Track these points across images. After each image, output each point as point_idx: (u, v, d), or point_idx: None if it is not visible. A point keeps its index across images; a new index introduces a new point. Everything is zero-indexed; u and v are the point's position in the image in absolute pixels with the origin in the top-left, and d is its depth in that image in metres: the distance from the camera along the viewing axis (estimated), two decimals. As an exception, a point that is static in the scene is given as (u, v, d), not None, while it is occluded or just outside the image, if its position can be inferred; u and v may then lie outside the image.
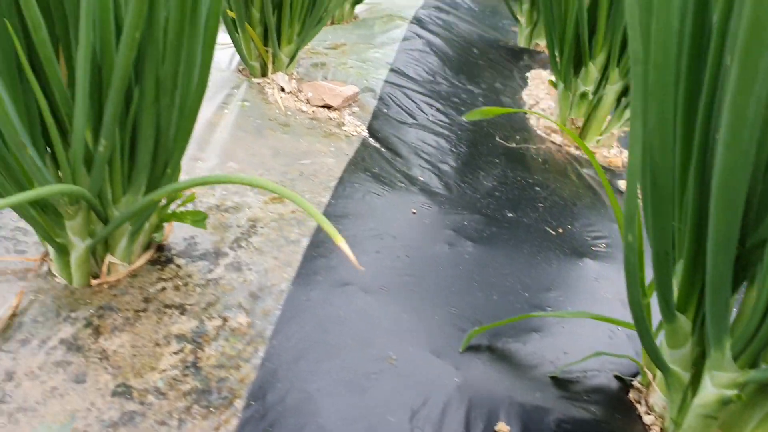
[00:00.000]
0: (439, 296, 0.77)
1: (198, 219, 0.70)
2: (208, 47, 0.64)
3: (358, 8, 2.01)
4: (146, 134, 0.65)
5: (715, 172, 0.52)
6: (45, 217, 0.68)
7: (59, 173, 0.70)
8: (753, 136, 0.46)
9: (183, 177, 0.90)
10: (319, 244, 0.81)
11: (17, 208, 0.67)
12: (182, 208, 0.81)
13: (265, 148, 1.07)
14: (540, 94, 1.64)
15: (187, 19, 0.58)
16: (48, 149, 0.67)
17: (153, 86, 0.62)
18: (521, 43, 1.98)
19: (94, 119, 0.63)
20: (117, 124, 0.63)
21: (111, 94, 0.60)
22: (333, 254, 0.79)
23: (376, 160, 1.07)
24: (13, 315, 0.69)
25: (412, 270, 0.79)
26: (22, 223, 0.82)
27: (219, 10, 0.62)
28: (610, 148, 1.40)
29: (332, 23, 1.95)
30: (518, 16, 1.97)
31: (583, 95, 1.35)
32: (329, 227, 0.50)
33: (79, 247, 0.70)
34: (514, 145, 1.25)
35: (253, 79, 1.36)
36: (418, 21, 1.78)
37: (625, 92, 1.36)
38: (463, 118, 0.88)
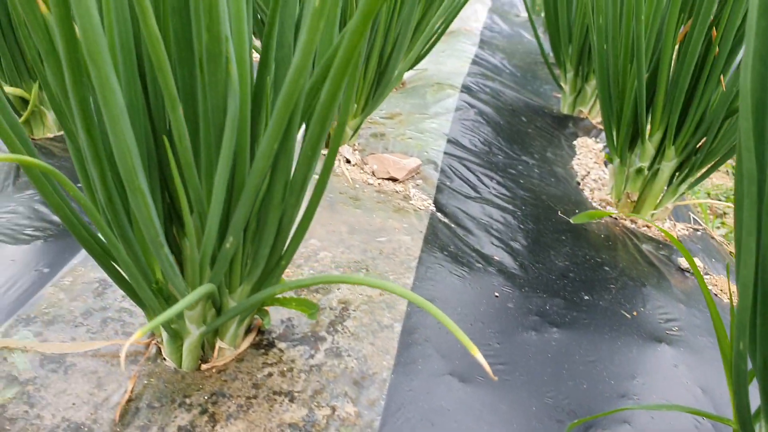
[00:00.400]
0: (533, 385, 0.79)
1: (311, 312, 0.74)
2: (332, 151, 0.68)
3: (406, 74, 2.07)
4: (269, 231, 0.69)
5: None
6: (167, 306, 0.71)
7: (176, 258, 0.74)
8: None
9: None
10: (411, 330, 0.84)
11: (144, 299, 0.70)
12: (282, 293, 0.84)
13: (341, 224, 1.10)
14: (589, 164, 1.68)
15: (325, 131, 0.62)
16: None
17: (281, 189, 0.66)
18: (564, 109, 2.03)
19: (223, 218, 0.67)
20: (245, 223, 0.67)
21: (243, 198, 0.64)
22: (428, 342, 0.82)
23: (448, 237, 1.10)
24: (129, 400, 0.72)
25: (504, 357, 0.82)
26: (127, 303, 0.86)
27: (347, 117, 0.66)
28: (664, 222, 1.43)
29: (381, 88, 2.00)
30: (562, 84, 2.02)
31: (639, 170, 1.39)
32: (464, 338, 0.53)
33: (193, 334, 0.74)
34: (574, 220, 1.28)
35: (317, 149, 1.41)
36: (467, 89, 1.83)
37: (679, 167, 1.39)
38: (571, 221, 0.91)
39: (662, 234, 1.38)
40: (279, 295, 0.82)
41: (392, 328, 0.84)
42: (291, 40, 0.73)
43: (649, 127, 1.36)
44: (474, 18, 3.02)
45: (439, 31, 1.81)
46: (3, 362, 0.75)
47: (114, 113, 0.55)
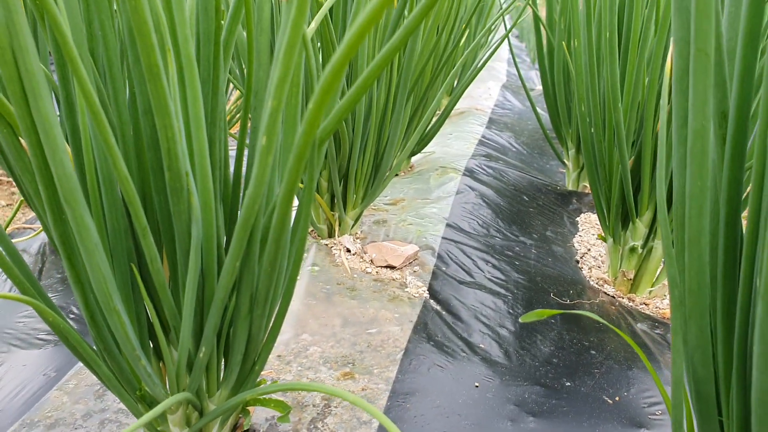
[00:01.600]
0: (504, 478, 0.81)
1: (283, 414, 0.78)
2: (296, 264, 0.74)
3: (414, 158, 2.15)
4: (239, 340, 0.75)
5: (753, 389, 0.57)
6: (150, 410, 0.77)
7: (160, 369, 0.80)
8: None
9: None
10: (389, 424, 0.87)
11: (129, 406, 0.76)
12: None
13: (335, 317, 1.15)
14: (591, 240, 1.71)
15: (281, 250, 0.68)
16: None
17: (248, 302, 0.72)
18: (569, 185, 2.08)
19: (196, 330, 0.73)
20: (217, 335, 0.72)
21: (212, 311, 0.70)
22: (403, 436, 0.85)
23: (438, 325, 1.14)
24: (118, 501, 0.77)
25: (477, 450, 0.85)
26: (123, 405, 0.91)
27: (306, 235, 0.72)
28: (663, 299, 1.45)
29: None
30: (565, 160, 2.07)
31: (633, 249, 1.42)
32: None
33: (177, 436, 0.79)
34: (568, 301, 1.31)
35: (321, 240, 1.47)
36: (470, 172, 1.90)
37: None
38: (520, 320, 0.95)
39: (660, 312, 1.39)
40: (261, 396, 0.87)
41: (370, 424, 0.87)
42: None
43: (639, 206, 1.39)
44: (486, 96, 3.11)
45: (437, 122, 1.89)
46: (4, 467, 0.80)
47: (89, 247, 0.62)
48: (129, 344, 0.68)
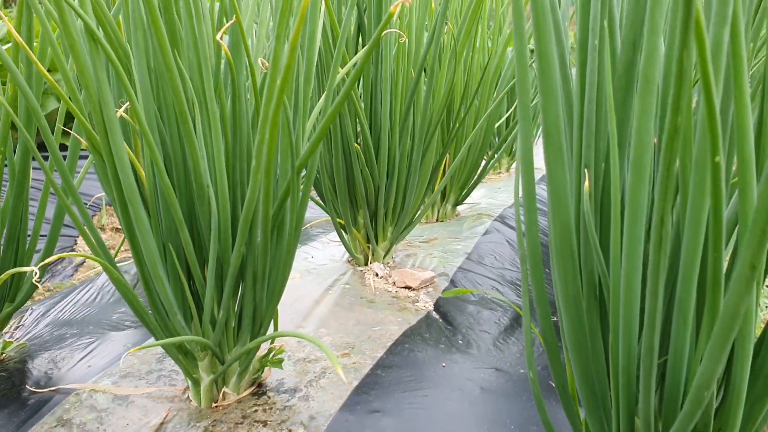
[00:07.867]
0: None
1: (277, 361, 1.08)
2: (289, 254, 1.05)
3: (460, 207, 2.43)
4: (248, 307, 1.06)
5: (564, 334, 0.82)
6: (186, 359, 1.08)
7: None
8: None
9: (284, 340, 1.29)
10: (364, 386, 1.15)
11: (171, 353, 1.08)
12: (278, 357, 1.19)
13: (351, 320, 1.44)
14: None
15: (272, 240, 1.00)
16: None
17: (251, 278, 1.03)
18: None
19: (217, 297, 1.05)
20: (231, 301, 1.04)
21: (227, 282, 1.02)
22: (372, 392, 1.12)
23: (431, 328, 1.41)
24: (162, 423, 1.08)
25: (426, 384, 1.10)
26: (176, 367, 1.24)
27: (299, 231, 1.03)
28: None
29: (437, 220, 2.37)
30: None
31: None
32: (333, 357, 0.85)
33: (206, 380, 1.10)
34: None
35: (357, 267, 1.78)
36: (501, 218, 2.15)
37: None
38: (441, 295, 1.21)
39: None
40: (271, 359, 1.17)
41: (351, 384, 1.15)
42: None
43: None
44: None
45: (479, 176, 2.17)
46: (89, 398, 1.14)
47: (143, 231, 0.96)
48: (168, 302, 1.01)
